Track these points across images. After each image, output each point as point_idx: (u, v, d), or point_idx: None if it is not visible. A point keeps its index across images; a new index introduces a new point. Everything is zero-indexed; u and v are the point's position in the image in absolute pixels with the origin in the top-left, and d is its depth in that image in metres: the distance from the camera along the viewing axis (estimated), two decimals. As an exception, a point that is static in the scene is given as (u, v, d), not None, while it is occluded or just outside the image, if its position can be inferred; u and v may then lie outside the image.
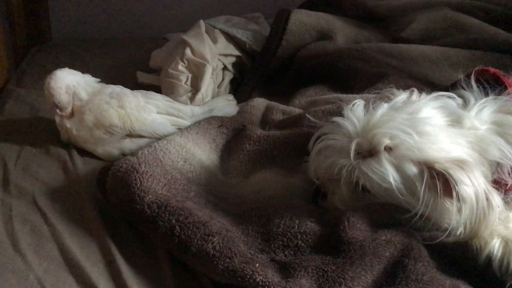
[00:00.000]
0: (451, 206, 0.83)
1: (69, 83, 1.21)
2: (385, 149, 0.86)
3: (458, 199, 0.81)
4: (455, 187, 0.81)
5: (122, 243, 0.95)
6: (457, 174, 0.81)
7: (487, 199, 0.82)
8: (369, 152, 0.88)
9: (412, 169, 0.85)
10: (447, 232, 0.83)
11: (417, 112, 0.91)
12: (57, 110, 1.21)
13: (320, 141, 0.95)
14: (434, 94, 0.97)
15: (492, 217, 0.82)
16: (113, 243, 0.94)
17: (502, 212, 0.85)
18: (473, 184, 0.81)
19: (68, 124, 1.21)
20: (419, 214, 0.84)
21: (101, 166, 1.10)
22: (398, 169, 0.85)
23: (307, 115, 1.19)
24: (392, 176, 0.85)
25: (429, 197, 0.83)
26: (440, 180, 0.82)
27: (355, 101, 0.97)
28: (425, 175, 0.83)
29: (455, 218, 0.83)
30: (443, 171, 0.82)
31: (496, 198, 0.83)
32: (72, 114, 1.22)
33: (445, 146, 0.86)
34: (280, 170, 1.10)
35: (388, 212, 0.89)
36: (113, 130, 1.20)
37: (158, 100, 1.27)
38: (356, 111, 0.93)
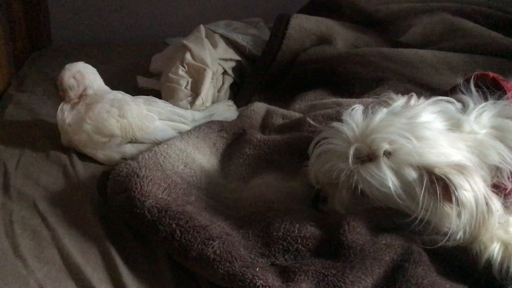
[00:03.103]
0: (450, 210, 0.83)
1: (81, 70, 1.23)
2: (384, 154, 0.86)
3: (458, 204, 0.81)
4: (454, 192, 0.81)
5: (123, 247, 0.95)
6: (457, 179, 0.81)
7: (487, 204, 0.82)
8: (368, 157, 0.88)
9: (412, 174, 0.85)
10: (447, 236, 0.83)
11: (416, 117, 0.91)
12: (60, 93, 1.24)
13: (320, 145, 0.95)
14: (433, 98, 0.98)
15: (491, 222, 0.82)
16: (114, 247, 0.94)
17: (501, 216, 0.85)
18: (472, 189, 0.81)
19: (67, 126, 1.22)
20: (419, 219, 0.84)
21: (102, 170, 1.10)
22: (397, 174, 0.85)
23: (308, 119, 1.20)
24: (391, 181, 0.85)
25: (429, 202, 0.83)
26: (439, 185, 0.82)
27: (354, 106, 0.97)
28: (425, 180, 0.83)
29: (455, 223, 0.83)
30: (442, 176, 0.82)
31: (496, 203, 0.83)
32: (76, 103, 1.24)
33: (445, 151, 0.86)
34: (280, 174, 1.10)
35: (388, 216, 0.89)
36: (113, 139, 1.20)
37: (159, 106, 1.27)
38: (355, 116, 0.94)
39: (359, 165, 0.88)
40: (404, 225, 0.87)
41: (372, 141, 0.88)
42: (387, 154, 0.87)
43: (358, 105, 0.97)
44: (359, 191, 0.89)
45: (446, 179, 0.81)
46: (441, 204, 0.83)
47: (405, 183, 0.85)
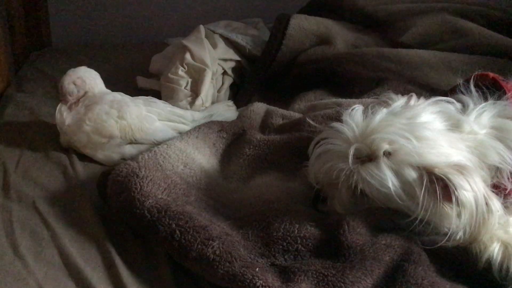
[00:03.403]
0: (450, 210, 0.83)
1: (82, 75, 1.24)
2: (384, 154, 0.86)
3: (458, 204, 0.81)
4: (454, 192, 0.81)
5: (122, 248, 0.95)
6: (457, 179, 0.81)
7: (487, 204, 0.82)
8: (368, 157, 0.88)
9: (411, 174, 0.85)
10: (447, 236, 0.83)
11: (416, 117, 0.91)
12: (60, 96, 1.24)
13: (320, 145, 0.95)
14: (433, 99, 0.98)
15: (491, 222, 0.82)
16: (113, 248, 0.94)
17: (501, 217, 0.85)
18: (472, 189, 0.81)
19: (66, 127, 1.21)
20: (418, 219, 0.84)
21: (101, 170, 1.10)
22: (397, 174, 0.85)
23: (307, 119, 1.20)
24: (391, 181, 0.85)
25: (429, 202, 0.83)
26: (439, 185, 0.82)
27: (354, 106, 0.97)
28: (425, 180, 0.83)
29: (455, 223, 0.83)
30: (442, 176, 0.82)
31: (496, 203, 0.83)
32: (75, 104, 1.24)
33: (445, 151, 0.86)
34: (280, 174, 1.10)
35: (388, 217, 0.89)
36: (113, 140, 1.20)
37: (159, 107, 1.27)
38: (355, 116, 0.94)
39: (359, 165, 0.88)
40: (404, 225, 0.87)
41: (372, 141, 0.88)
42: (387, 154, 0.87)
43: (358, 105, 0.97)
44: (359, 191, 0.89)
45: (446, 179, 0.82)
46: (441, 204, 0.83)
47: (405, 183, 0.85)
